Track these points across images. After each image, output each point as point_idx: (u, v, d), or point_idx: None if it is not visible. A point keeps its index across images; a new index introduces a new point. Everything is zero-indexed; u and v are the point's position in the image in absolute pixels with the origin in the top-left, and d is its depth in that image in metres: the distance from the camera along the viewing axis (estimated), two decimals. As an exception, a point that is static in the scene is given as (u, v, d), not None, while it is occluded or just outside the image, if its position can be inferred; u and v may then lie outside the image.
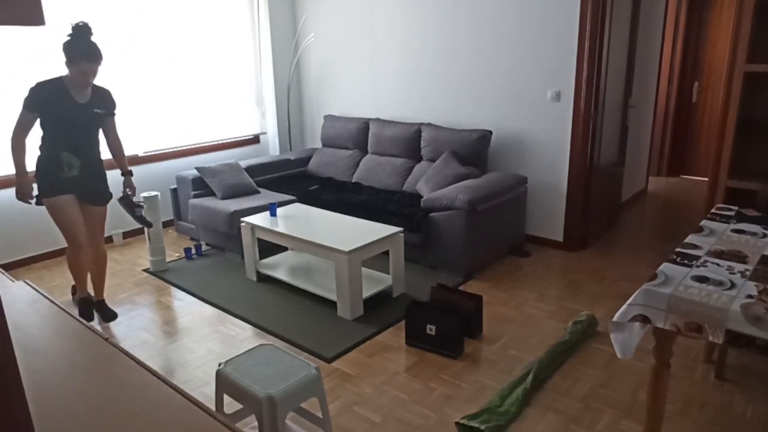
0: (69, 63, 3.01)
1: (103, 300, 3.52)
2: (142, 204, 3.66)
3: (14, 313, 1.58)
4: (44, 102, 3.03)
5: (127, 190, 3.48)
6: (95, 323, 3.43)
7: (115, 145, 3.42)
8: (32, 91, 3.01)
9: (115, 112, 3.36)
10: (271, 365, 2.10)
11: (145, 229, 4.13)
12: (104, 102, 3.26)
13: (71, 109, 3.09)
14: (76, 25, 2.99)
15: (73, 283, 3.88)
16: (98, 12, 4.46)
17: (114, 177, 3.49)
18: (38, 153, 3.14)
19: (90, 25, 3.03)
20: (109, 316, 3.48)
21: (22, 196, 3.13)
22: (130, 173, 3.52)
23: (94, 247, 3.38)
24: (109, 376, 1.27)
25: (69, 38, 2.99)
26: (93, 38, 3.03)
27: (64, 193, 3.16)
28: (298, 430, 2.33)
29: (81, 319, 1.54)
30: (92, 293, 3.55)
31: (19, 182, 3.10)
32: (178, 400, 1.18)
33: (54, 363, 1.32)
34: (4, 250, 4.27)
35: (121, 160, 3.47)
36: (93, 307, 3.49)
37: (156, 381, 1.25)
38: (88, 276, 3.47)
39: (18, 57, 4.11)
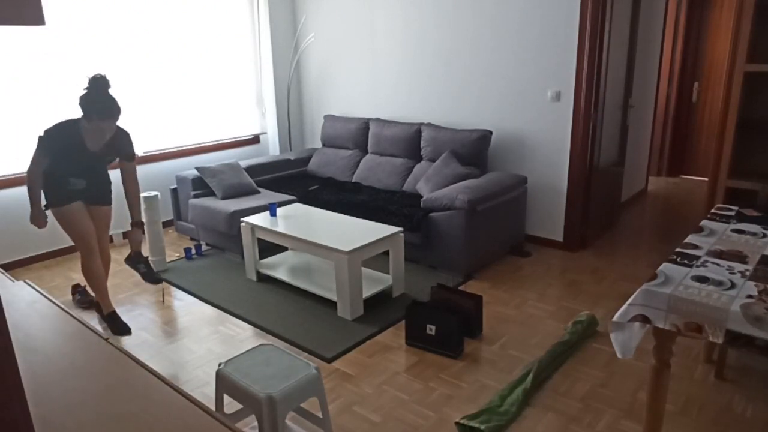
0: (85, 118, 2.92)
1: (114, 311, 3.36)
2: (146, 257, 3.40)
3: (14, 313, 1.58)
4: (57, 149, 2.98)
5: (132, 247, 3.31)
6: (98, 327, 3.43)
7: (130, 189, 3.24)
8: (48, 134, 2.94)
9: (134, 153, 3.23)
10: (271, 365, 2.10)
11: (146, 231, 4.12)
12: (120, 148, 3.15)
13: (83, 156, 3.04)
14: (93, 78, 2.88)
15: (74, 282, 3.88)
16: (98, 12, 4.46)
17: (117, 175, 3.32)
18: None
19: (107, 78, 2.92)
20: (120, 329, 3.27)
21: (37, 223, 3.12)
22: (140, 224, 3.31)
23: (100, 248, 3.36)
24: (109, 376, 1.27)
25: (85, 92, 2.89)
26: (111, 90, 2.92)
27: (71, 201, 3.12)
28: (298, 430, 2.33)
29: (81, 319, 1.54)
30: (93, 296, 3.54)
31: (34, 211, 3.08)
32: (178, 400, 1.18)
33: (54, 363, 1.32)
34: (4, 250, 4.27)
35: (133, 207, 3.27)
36: (116, 319, 3.32)
37: (156, 381, 1.25)
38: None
39: (18, 57, 4.11)
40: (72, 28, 4.34)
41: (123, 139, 3.17)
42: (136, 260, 3.35)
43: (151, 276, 3.38)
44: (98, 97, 2.90)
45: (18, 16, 0.68)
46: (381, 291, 3.58)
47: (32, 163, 2.98)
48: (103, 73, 2.94)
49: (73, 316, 1.56)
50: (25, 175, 4.16)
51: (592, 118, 4.16)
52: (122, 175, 3.24)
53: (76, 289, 3.72)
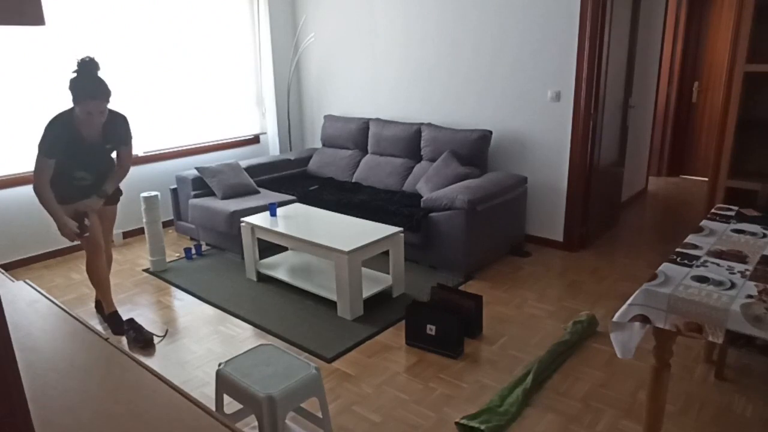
0: (75, 101, 2.87)
1: (116, 311, 3.33)
2: (138, 324, 3.19)
3: (14, 313, 1.58)
4: (56, 146, 2.91)
5: (80, 208, 3.12)
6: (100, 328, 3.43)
7: (119, 169, 3.24)
8: (46, 132, 2.87)
9: (130, 140, 3.20)
10: (271, 365, 2.10)
11: (145, 230, 4.11)
12: (115, 133, 3.11)
13: (81, 148, 3.01)
14: (82, 60, 2.85)
15: (96, 297, 3.80)
16: (99, 12, 4.46)
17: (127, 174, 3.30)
18: None
19: (96, 60, 2.89)
20: (120, 329, 3.24)
21: (66, 234, 3.03)
22: (104, 195, 3.17)
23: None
24: (109, 376, 1.27)
25: (74, 75, 2.85)
26: (101, 73, 2.89)
27: (78, 200, 3.11)
28: (298, 430, 2.33)
29: (81, 319, 1.54)
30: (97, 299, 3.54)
31: (59, 223, 2.99)
32: (178, 400, 1.18)
33: (54, 363, 1.32)
34: (4, 250, 4.27)
35: (112, 179, 3.21)
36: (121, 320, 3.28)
37: (156, 381, 1.25)
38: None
39: (18, 57, 4.10)
40: (72, 28, 4.34)
41: (119, 123, 3.11)
42: (127, 326, 3.16)
43: (142, 339, 3.10)
44: (88, 78, 2.86)
45: (18, 16, 0.68)
46: (381, 291, 3.58)
47: (36, 176, 2.89)
48: (92, 56, 2.89)
49: (73, 316, 1.56)
50: (24, 175, 4.21)
51: (592, 118, 4.16)
52: (117, 156, 3.22)
53: (131, 324, 3.21)
